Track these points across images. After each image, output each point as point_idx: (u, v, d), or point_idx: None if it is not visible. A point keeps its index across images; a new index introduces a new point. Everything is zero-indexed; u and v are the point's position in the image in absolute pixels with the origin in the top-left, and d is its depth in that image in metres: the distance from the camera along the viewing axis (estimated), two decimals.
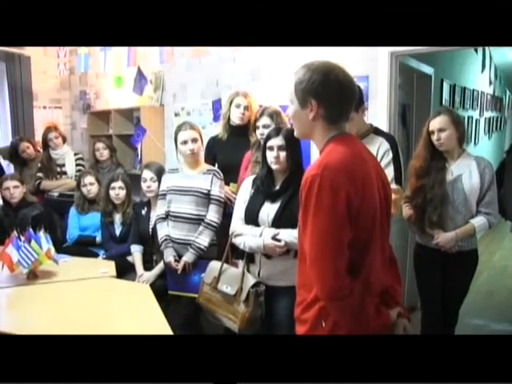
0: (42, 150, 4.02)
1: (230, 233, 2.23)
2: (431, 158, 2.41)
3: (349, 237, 1.23)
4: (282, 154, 2.10)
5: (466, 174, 2.35)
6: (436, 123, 2.36)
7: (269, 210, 2.13)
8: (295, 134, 1.41)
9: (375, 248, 1.32)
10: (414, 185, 2.45)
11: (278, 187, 2.16)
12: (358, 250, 1.26)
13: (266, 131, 2.32)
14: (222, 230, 2.63)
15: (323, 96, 1.27)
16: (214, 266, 2.31)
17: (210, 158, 2.93)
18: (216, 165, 2.91)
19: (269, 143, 2.14)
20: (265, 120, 2.48)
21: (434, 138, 2.37)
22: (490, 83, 5.53)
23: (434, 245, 2.39)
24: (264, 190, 2.17)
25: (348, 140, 1.33)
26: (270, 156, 2.12)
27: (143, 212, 3.12)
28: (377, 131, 2.28)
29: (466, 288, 2.48)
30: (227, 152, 2.88)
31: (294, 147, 2.11)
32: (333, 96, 1.28)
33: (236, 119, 2.85)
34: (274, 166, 2.13)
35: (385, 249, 1.41)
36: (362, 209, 1.24)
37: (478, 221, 2.34)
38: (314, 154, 3.00)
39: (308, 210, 1.22)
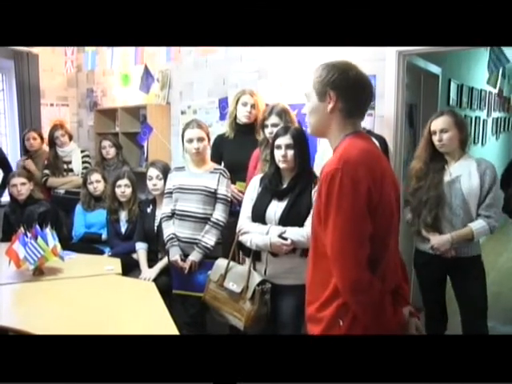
0: (48, 148, 4.04)
1: (237, 230, 2.24)
2: (431, 160, 2.35)
3: (369, 230, 1.25)
4: (290, 153, 2.10)
5: (465, 174, 2.28)
6: (438, 123, 2.31)
7: (276, 208, 2.13)
8: (309, 131, 1.43)
9: (392, 244, 1.34)
10: (412, 186, 2.40)
11: (285, 185, 2.16)
12: (377, 244, 1.28)
13: (275, 130, 2.32)
14: (227, 229, 2.64)
15: (341, 88, 1.31)
16: (221, 263, 2.31)
17: (217, 157, 2.93)
18: (222, 163, 2.91)
19: (277, 142, 2.14)
20: (273, 119, 2.48)
21: (436, 138, 2.31)
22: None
23: (430, 249, 2.33)
24: (271, 189, 2.17)
25: (363, 137, 1.36)
26: (278, 155, 2.12)
27: (149, 210, 3.13)
28: (369, 133, 2.27)
29: (479, 296, 2.34)
30: (234, 150, 2.87)
31: (301, 146, 2.11)
32: (350, 89, 1.32)
33: (243, 117, 2.85)
34: (281, 165, 2.13)
35: (397, 246, 1.43)
36: (381, 203, 1.26)
37: (477, 224, 2.24)
38: (318, 154, 3.01)
39: (330, 203, 1.23)
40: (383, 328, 1.28)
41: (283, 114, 2.48)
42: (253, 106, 2.84)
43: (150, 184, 3.06)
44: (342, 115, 1.33)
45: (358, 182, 1.22)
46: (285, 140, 2.11)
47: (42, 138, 4.10)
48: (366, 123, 2.83)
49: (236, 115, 2.89)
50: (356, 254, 1.23)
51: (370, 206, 1.23)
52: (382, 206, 1.27)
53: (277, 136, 2.16)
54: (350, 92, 1.32)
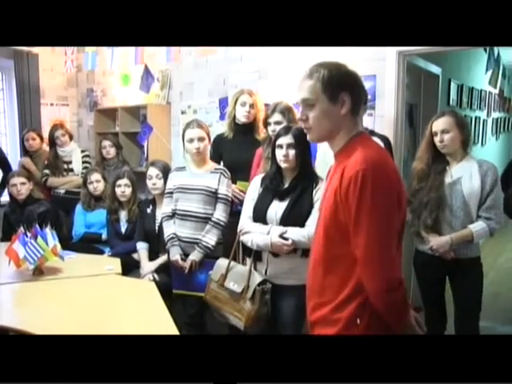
0: (48, 148, 4.04)
1: (238, 230, 2.24)
2: (433, 161, 2.34)
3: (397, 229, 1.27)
4: (291, 153, 2.10)
5: (467, 176, 2.26)
6: (440, 124, 2.29)
7: (277, 208, 2.13)
8: (315, 137, 1.35)
9: (401, 242, 1.35)
10: (413, 187, 2.39)
11: (286, 185, 2.16)
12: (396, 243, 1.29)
13: (278, 127, 2.32)
14: (227, 229, 2.64)
15: (353, 89, 1.30)
16: (222, 263, 2.32)
17: (217, 156, 2.93)
18: (222, 163, 2.91)
19: (278, 141, 2.14)
20: (276, 117, 2.48)
21: (437, 139, 2.30)
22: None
23: (429, 249, 2.32)
24: (273, 188, 2.17)
25: (369, 137, 1.36)
26: (279, 154, 2.12)
27: (149, 210, 3.12)
28: (372, 133, 2.27)
29: (475, 297, 2.35)
30: (233, 150, 2.88)
31: (303, 146, 2.11)
32: (357, 88, 1.32)
33: (242, 117, 2.85)
34: (283, 165, 2.13)
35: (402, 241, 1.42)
36: (403, 202, 1.27)
37: (476, 226, 2.23)
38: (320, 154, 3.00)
39: (363, 204, 1.19)
40: (401, 324, 1.29)
41: (286, 111, 2.48)
42: (251, 106, 2.84)
43: (149, 183, 3.06)
44: (351, 116, 1.31)
45: (389, 181, 1.21)
46: (286, 139, 2.11)
47: (41, 138, 4.10)
48: (367, 123, 2.83)
49: (235, 115, 2.89)
50: (390, 253, 1.23)
51: (397, 204, 1.24)
52: (403, 206, 1.28)
53: (278, 136, 2.16)
54: (357, 91, 1.30)
